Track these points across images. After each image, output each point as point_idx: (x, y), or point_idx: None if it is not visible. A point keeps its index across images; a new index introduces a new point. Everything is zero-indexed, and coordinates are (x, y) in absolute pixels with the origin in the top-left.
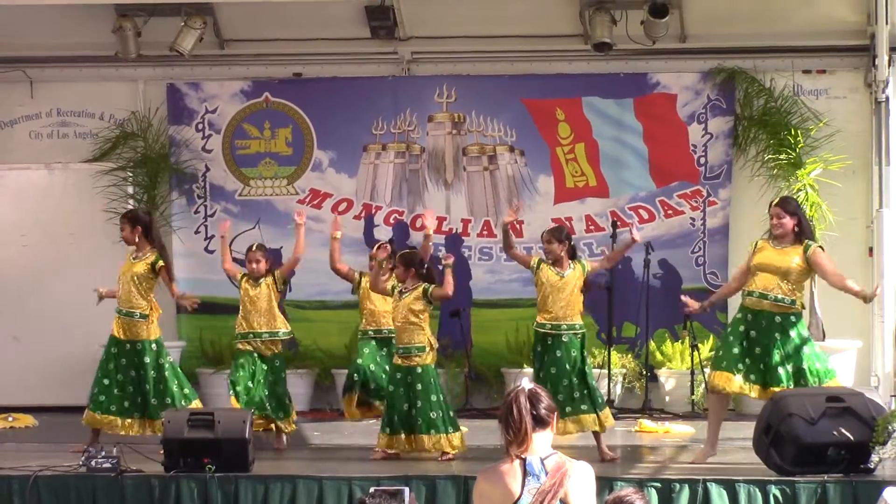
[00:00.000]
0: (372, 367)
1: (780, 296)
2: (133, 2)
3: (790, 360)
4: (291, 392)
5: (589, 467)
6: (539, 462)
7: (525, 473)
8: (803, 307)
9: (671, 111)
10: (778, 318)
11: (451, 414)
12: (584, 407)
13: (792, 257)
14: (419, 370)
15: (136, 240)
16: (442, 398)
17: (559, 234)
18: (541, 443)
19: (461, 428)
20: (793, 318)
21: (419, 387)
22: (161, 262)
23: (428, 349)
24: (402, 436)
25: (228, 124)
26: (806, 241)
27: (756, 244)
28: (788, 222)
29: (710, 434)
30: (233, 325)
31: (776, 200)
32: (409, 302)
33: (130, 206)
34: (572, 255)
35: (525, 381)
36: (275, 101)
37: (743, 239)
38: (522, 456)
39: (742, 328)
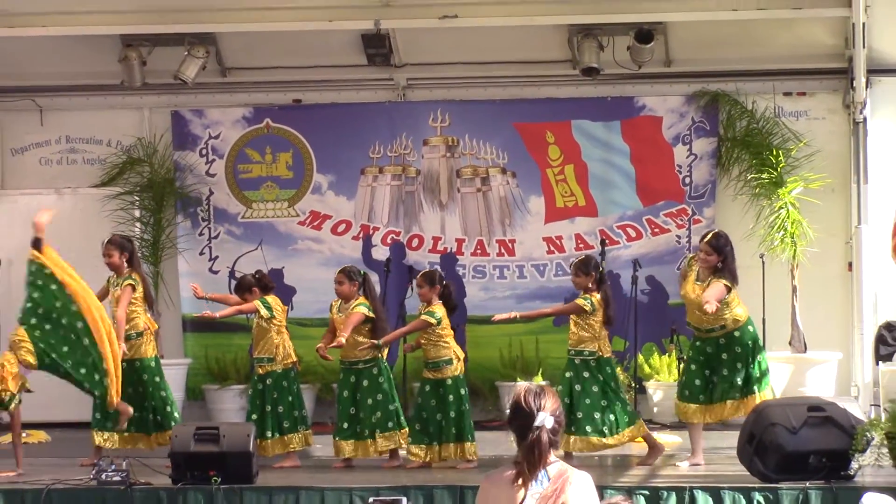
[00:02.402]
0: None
1: (708, 326)
2: (138, 32)
3: (739, 372)
4: None
5: (588, 477)
6: (542, 469)
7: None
8: (737, 319)
9: (657, 133)
10: (722, 340)
11: (472, 424)
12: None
13: (701, 293)
14: (449, 381)
15: (123, 265)
16: (468, 408)
17: (580, 266)
18: None
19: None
20: (735, 334)
21: (451, 398)
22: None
23: (455, 361)
24: (436, 446)
25: (231, 149)
26: (712, 277)
27: (689, 262)
28: (714, 259)
29: (694, 446)
30: (237, 343)
31: (709, 237)
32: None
33: (137, 229)
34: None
35: (543, 416)
36: (275, 126)
37: None
38: None
39: (691, 353)
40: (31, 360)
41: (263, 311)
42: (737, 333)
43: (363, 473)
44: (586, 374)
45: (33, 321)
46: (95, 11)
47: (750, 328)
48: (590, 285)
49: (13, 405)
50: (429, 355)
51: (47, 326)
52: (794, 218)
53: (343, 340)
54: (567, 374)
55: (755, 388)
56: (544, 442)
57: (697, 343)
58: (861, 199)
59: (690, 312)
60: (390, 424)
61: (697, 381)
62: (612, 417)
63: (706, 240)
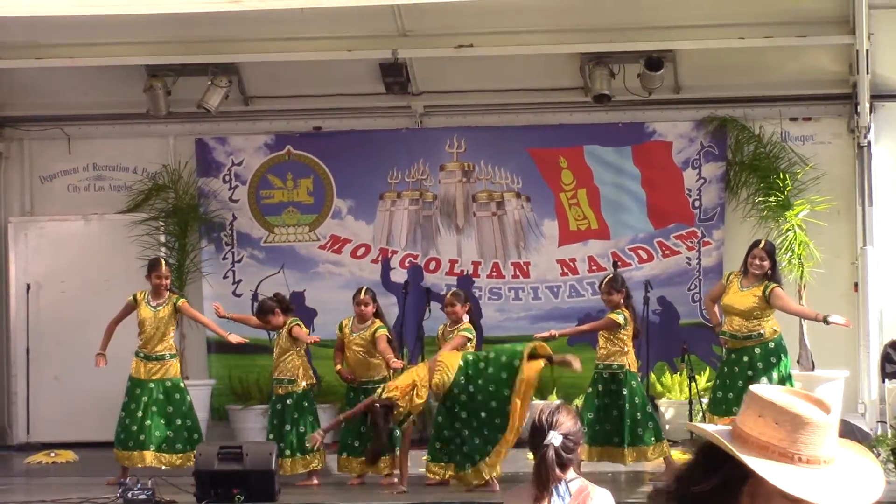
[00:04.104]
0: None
1: (746, 333)
2: (163, 63)
3: (781, 382)
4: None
5: (608, 494)
6: (564, 485)
7: (550, 494)
8: (775, 329)
9: (667, 158)
10: (757, 350)
11: None
12: (615, 440)
13: (750, 297)
14: None
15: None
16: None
17: (612, 283)
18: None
19: None
20: (771, 345)
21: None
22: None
23: None
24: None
25: (253, 176)
26: (766, 282)
27: (728, 278)
28: (767, 265)
29: None
30: (260, 364)
31: (763, 244)
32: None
33: (163, 254)
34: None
35: (552, 434)
36: (296, 153)
37: None
38: None
39: (726, 369)
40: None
41: (293, 323)
42: (772, 345)
43: (384, 491)
44: (613, 387)
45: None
46: (121, 43)
47: (783, 342)
48: (620, 301)
49: (406, 423)
50: None
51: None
52: (801, 240)
53: (400, 364)
54: (590, 389)
55: None
56: (549, 459)
57: (732, 355)
58: (866, 222)
59: (730, 321)
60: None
61: (731, 395)
62: (639, 431)
63: (762, 246)
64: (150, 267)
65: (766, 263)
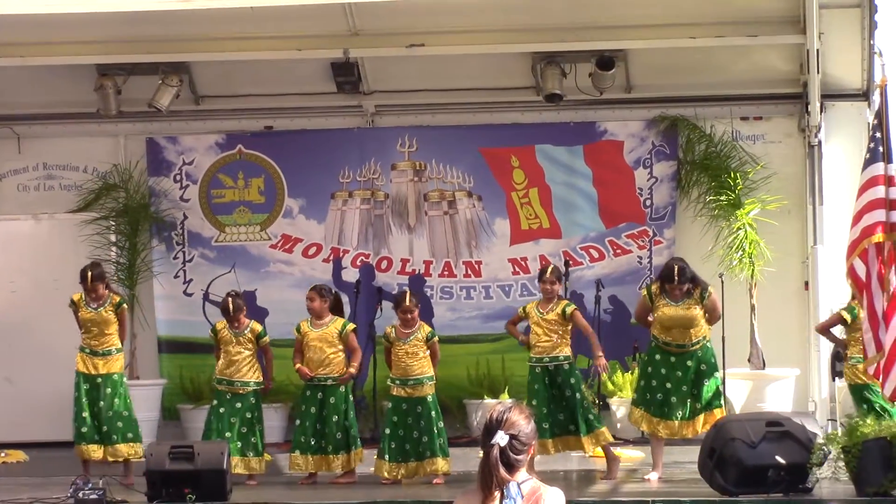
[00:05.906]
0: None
1: (694, 340)
2: (113, 62)
3: (711, 386)
4: (267, 425)
5: (561, 494)
6: (516, 487)
7: (502, 496)
8: (706, 335)
9: (618, 157)
10: (700, 353)
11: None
12: (571, 428)
13: (694, 309)
14: (428, 399)
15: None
16: (442, 425)
17: (557, 273)
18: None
19: None
20: (708, 345)
21: (433, 414)
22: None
23: (433, 378)
24: (411, 463)
25: (204, 175)
26: (699, 288)
27: (651, 292)
28: (686, 287)
29: (655, 458)
30: (210, 364)
31: (676, 274)
32: (419, 339)
33: (113, 254)
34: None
35: (500, 435)
36: (248, 152)
37: None
38: None
39: (664, 370)
40: None
41: (266, 337)
42: (708, 345)
43: (336, 490)
44: (559, 379)
45: None
46: (72, 42)
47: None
48: (561, 292)
49: None
50: (409, 372)
51: None
52: (752, 238)
53: (354, 370)
54: (536, 385)
55: (718, 401)
56: (493, 459)
57: (672, 359)
58: (816, 220)
59: (669, 333)
60: (359, 441)
61: (674, 399)
62: (589, 417)
63: (676, 272)
64: (79, 277)
65: (686, 286)
